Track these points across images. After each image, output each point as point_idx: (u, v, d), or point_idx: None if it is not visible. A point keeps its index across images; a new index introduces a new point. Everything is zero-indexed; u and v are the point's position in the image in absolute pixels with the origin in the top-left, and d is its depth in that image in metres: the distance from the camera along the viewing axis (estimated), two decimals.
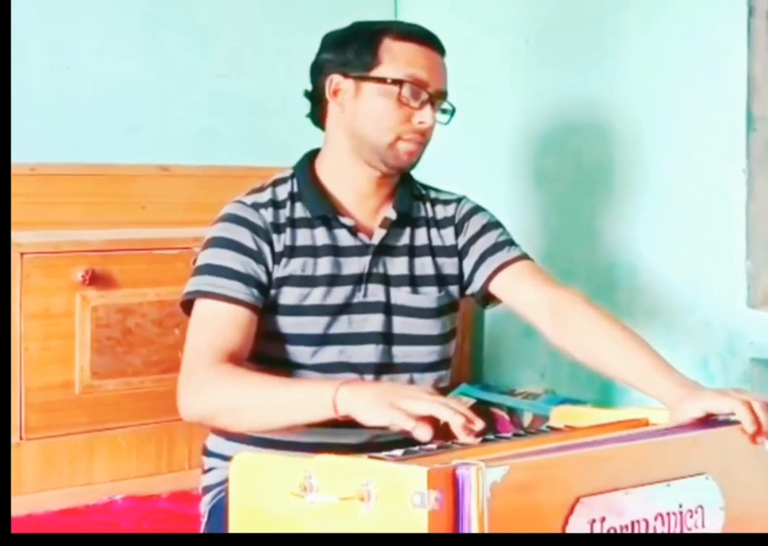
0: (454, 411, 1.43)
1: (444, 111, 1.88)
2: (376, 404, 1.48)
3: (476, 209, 1.97)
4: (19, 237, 2.46)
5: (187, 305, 1.81)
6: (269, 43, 3.15)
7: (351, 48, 1.83)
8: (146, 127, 2.97)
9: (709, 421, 1.52)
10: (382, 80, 1.81)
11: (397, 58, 1.81)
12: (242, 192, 1.89)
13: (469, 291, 1.95)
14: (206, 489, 1.90)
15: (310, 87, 1.90)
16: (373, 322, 1.85)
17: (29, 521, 2.39)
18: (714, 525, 1.41)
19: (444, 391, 1.95)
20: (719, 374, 2.54)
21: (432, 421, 1.44)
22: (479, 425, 1.43)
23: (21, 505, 2.39)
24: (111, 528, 2.38)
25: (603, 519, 1.30)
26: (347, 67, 1.83)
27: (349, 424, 1.58)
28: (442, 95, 1.85)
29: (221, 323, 1.75)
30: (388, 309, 1.86)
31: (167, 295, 2.55)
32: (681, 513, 1.38)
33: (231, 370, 1.69)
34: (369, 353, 1.84)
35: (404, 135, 1.82)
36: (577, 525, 1.28)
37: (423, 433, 1.43)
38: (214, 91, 3.08)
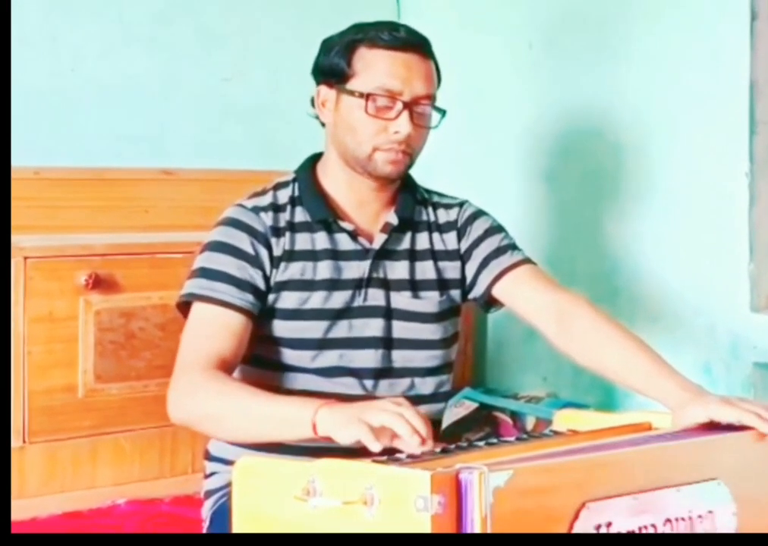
0: (405, 422, 1.44)
1: (437, 110, 1.85)
2: (345, 423, 1.48)
3: (479, 213, 1.97)
4: (22, 241, 2.46)
5: (183, 308, 1.82)
6: (275, 47, 3.15)
7: (332, 58, 1.82)
8: (150, 130, 2.98)
9: (711, 426, 1.51)
10: (352, 93, 1.80)
11: (369, 68, 1.80)
12: (245, 196, 1.89)
13: (472, 295, 1.94)
14: (208, 494, 1.90)
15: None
16: (373, 327, 1.85)
17: (32, 524, 2.39)
18: (727, 531, 1.41)
19: (446, 396, 1.95)
20: (722, 378, 2.54)
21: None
22: (427, 442, 1.43)
23: (24, 508, 2.39)
24: (114, 532, 2.38)
25: (609, 524, 1.30)
26: (330, 77, 1.83)
27: None
28: (422, 99, 1.81)
29: (213, 327, 1.75)
30: (388, 314, 1.86)
31: (170, 299, 2.52)
32: (690, 518, 1.37)
33: (217, 377, 1.69)
34: (369, 358, 1.84)
35: (382, 145, 1.80)
36: (583, 530, 1.28)
37: (371, 442, 1.43)
38: (219, 95, 3.08)
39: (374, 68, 1.80)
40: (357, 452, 1.47)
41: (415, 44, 1.82)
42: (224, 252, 1.81)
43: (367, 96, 1.78)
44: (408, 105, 1.79)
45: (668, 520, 1.35)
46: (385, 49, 1.80)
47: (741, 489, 1.42)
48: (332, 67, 1.82)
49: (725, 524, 1.41)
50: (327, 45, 1.86)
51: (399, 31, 1.81)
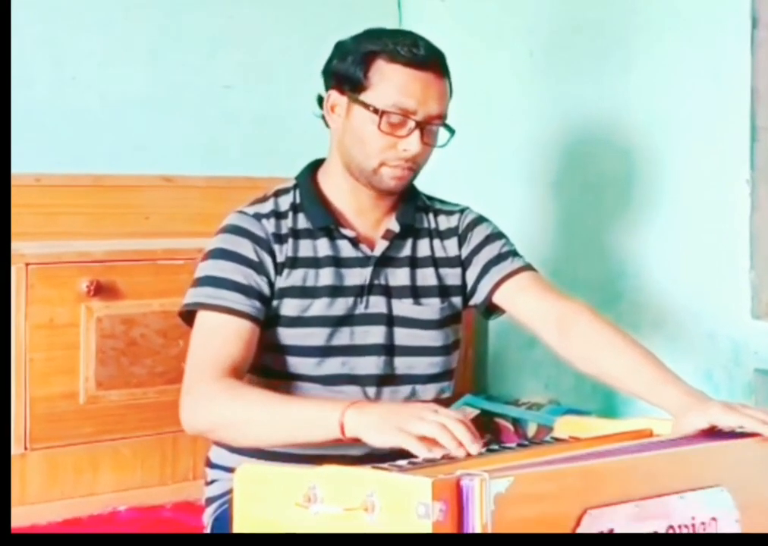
0: (451, 436, 1.41)
1: (447, 129, 1.84)
2: (382, 427, 1.47)
3: (480, 220, 1.97)
4: (24, 248, 2.46)
5: (187, 316, 1.81)
6: (275, 54, 3.16)
7: (348, 65, 1.81)
8: (151, 137, 2.98)
9: (713, 433, 1.51)
10: (367, 106, 1.79)
11: (386, 83, 1.78)
12: (246, 203, 1.89)
13: (472, 302, 1.94)
14: (209, 501, 1.90)
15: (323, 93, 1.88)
16: (375, 334, 1.85)
17: (32, 532, 2.39)
18: None
19: (447, 402, 1.95)
20: (723, 385, 2.54)
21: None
22: (475, 448, 1.41)
23: (25, 515, 2.39)
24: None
25: (611, 531, 1.29)
26: (343, 83, 1.82)
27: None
28: (434, 119, 1.80)
29: (222, 335, 1.74)
30: (389, 321, 1.86)
31: (171, 306, 2.54)
32: (693, 525, 1.36)
33: (233, 385, 1.68)
34: (371, 365, 1.84)
35: (390, 161, 1.79)
36: None
37: (422, 451, 1.41)
38: (219, 102, 3.08)
39: (391, 84, 1.78)
40: (358, 459, 1.46)
41: (433, 62, 1.80)
42: (228, 260, 1.80)
43: (382, 113, 1.78)
44: (420, 124, 1.79)
45: (671, 527, 1.34)
46: (403, 65, 1.78)
47: (743, 496, 1.42)
48: (347, 74, 1.81)
49: (728, 531, 1.40)
50: (342, 50, 1.84)
51: (419, 47, 1.79)
